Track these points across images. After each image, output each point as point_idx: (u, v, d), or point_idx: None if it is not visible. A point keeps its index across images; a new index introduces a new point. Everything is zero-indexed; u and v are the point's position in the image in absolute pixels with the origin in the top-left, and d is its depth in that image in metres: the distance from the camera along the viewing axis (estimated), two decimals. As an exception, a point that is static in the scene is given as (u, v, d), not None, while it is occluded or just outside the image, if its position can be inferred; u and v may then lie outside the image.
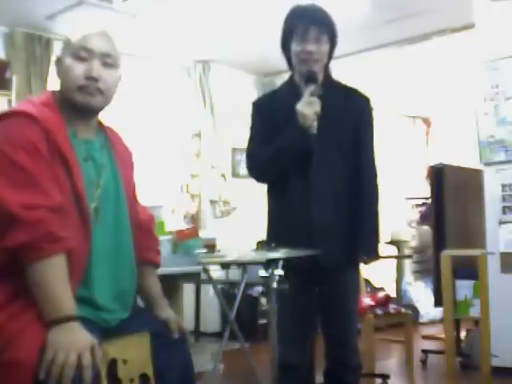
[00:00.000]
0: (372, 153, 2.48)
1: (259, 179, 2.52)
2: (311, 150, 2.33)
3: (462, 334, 4.54)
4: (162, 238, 3.31)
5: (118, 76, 1.82)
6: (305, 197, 2.35)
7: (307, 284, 2.37)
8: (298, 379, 2.39)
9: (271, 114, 2.43)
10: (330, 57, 2.45)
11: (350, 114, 2.42)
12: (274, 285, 2.13)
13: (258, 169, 2.45)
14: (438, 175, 4.36)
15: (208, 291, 5.51)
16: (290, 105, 2.32)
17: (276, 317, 2.16)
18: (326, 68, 2.47)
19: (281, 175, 2.39)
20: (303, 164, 2.35)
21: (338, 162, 2.39)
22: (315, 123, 2.29)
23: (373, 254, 2.43)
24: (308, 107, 2.29)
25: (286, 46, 2.46)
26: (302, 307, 2.39)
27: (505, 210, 4.07)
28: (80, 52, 1.73)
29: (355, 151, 2.41)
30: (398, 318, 4.27)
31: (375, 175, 2.46)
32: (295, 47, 2.39)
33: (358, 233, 2.37)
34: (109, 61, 1.76)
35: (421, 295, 6.60)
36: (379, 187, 2.47)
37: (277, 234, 2.43)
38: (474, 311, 3.98)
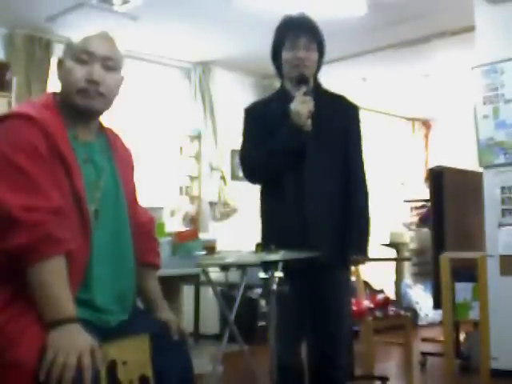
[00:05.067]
0: (361, 158, 2.54)
1: (254, 180, 2.56)
2: (304, 150, 2.38)
3: (462, 337, 4.54)
4: (161, 239, 3.31)
5: (119, 79, 1.81)
6: (298, 196, 2.39)
7: (299, 285, 2.38)
8: (292, 378, 2.42)
9: (263, 121, 2.48)
10: (318, 66, 2.51)
11: (338, 120, 2.48)
12: (274, 287, 2.14)
13: (252, 170, 2.50)
14: (438, 178, 4.36)
15: (207, 293, 5.50)
16: (282, 112, 2.37)
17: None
18: (315, 77, 2.52)
19: (275, 175, 2.43)
20: (297, 164, 2.39)
21: (330, 164, 2.44)
22: (309, 121, 2.34)
23: (362, 256, 2.49)
24: (302, 105, 2.34)
25: (276, 56, 2.51)
26: (294, 308, 2.40)
27: (504, 212, 4.07)
28: (81, 55, 1.72)
29: (345, 156, 2.47)
30: (398, 321, 4.27)
31: (364, 179, 2.53)
32: (286, 54, 2.44)
33: (349, 234, 2.43)
34: (110, 64, 1.75)
35: (420, 297, 6.60)
36: (369, 191, 2.53)
37: (271, 234, 2.47)
38: (474, 313, 3.98)
